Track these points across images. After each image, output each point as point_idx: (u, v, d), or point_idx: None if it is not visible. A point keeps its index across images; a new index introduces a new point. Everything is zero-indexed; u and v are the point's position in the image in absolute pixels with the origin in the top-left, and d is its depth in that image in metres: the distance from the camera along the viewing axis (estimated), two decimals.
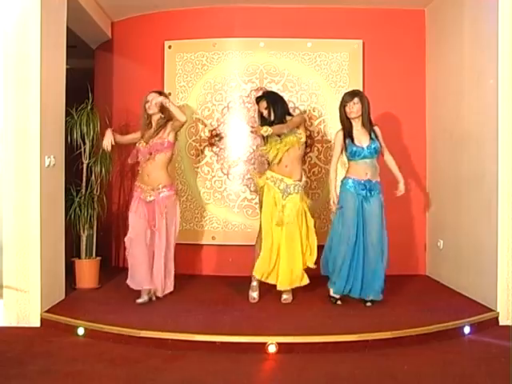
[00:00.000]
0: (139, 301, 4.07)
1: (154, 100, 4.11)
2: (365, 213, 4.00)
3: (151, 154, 4.09)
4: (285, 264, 4.11)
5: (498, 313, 3.85)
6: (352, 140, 4.03)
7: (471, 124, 4.32)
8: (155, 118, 4.20)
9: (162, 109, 4.15)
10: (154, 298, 4.16)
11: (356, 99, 4.05)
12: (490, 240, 3.95)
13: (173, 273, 4.19)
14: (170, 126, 4.14)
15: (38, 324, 3.81)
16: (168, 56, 5.28)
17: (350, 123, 4.09)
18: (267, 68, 5.20)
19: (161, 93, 4.24)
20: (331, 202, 4.14)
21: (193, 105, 5.24)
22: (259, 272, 4.13)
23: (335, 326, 3.60)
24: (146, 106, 4.15)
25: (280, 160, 4.17)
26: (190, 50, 5.24)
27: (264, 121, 4.23)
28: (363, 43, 5.19)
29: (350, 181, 4.04)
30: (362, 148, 4.01)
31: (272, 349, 3.23)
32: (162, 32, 5.31)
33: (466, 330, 3.58)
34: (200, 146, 5.25)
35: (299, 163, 4.27)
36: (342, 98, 4.12)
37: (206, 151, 5.25)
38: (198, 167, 5.26)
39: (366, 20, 5.23)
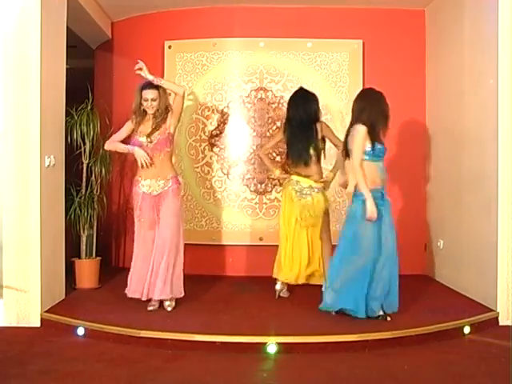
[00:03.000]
0: (149, 308, 3.92)
1: (151, 94, 3.87)
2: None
3: (159, 150, 3.91)
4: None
5: (498, 313, 3.85)
6: (378, 139, 3.64)
7: (471, 124, 4.32)
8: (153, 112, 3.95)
9: (160, 101, 3.91)
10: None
11: None
12: (490, 240, 3.94)
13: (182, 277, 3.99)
14: (171, 117, 3.94)
15: (38, 324, 3.81)
16: (168, 56, 5.28)
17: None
18: (267, 68, 5.20)
19: (155, 85, 3.90)
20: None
21: (193, 105, 5.23)
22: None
23: (335, 326, 3.59)
24: (145, 104, 3.90)
25: None
26: (190, 49, 5.24)
27: None
28: (363, 43, 5.20)
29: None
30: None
31: (272, 349, 3.23)
32: (162, 32, 5.31)
33: (466, 330, 3.58)
34: (200, 146, 5.25)
35: None
36: (383, 95, 3.70)
37: (206, 151, 5.25)
38: (198, 167, 5.26)
39: (366, 20, 5.23)
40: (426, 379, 2.92)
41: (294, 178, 4.24)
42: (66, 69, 4.29)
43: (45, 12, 3.85)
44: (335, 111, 5.18)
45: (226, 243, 5.20)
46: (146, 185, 3.96)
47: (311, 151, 4.18)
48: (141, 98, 3.92)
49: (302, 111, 4.19)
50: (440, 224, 4.96)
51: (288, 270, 4.21)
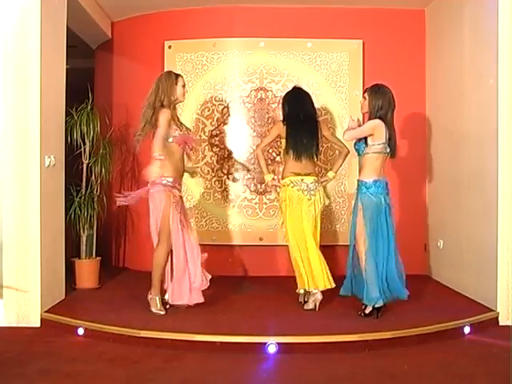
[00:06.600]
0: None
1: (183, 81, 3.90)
2: None
3: (189, 147, 3.95)
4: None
5: (498, 313, 3.85)
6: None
7: (471, 124, 4.32)
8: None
9: None
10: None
11: (366, 94, 3.86)
12: (490, 240, 3.94)
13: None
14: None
15: (38, 324, 3.82)
16: (168, 56, 5.28)
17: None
18: (267, 68, 5.20)
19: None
20: None
21: (193, 105, 5.23)
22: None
23: (335, 326, 3.59)
24: (183, 91, 3.86)
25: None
26: (190, 49, 5.24)
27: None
28: (363, 43, 5.20)
29: None
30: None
31: (272, 349, 3.23)
32: (162, 32, 5.32)
33: (466, 330, 3.58)
34: (200, 146, 5.25)
35: None
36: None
37: (206, 151, 5.25)
38: (198, 167, 5.26)
39: (366, 20, 5.23)
40: (425, 379, 2.92)
41: (294, 178, 3.99)
42: (66, 69, 4.29)
43: (45, 12, 3.85)
44: (335, 111, 5.19)
45: (225, 243, 5.19)
46: (176, 187, 3.92)
47: (315, 148, 4.07)
48: (175, 84, 3.81)
49: (305, 107, 4.10)
50: (440, 224, 4.96)
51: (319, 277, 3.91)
